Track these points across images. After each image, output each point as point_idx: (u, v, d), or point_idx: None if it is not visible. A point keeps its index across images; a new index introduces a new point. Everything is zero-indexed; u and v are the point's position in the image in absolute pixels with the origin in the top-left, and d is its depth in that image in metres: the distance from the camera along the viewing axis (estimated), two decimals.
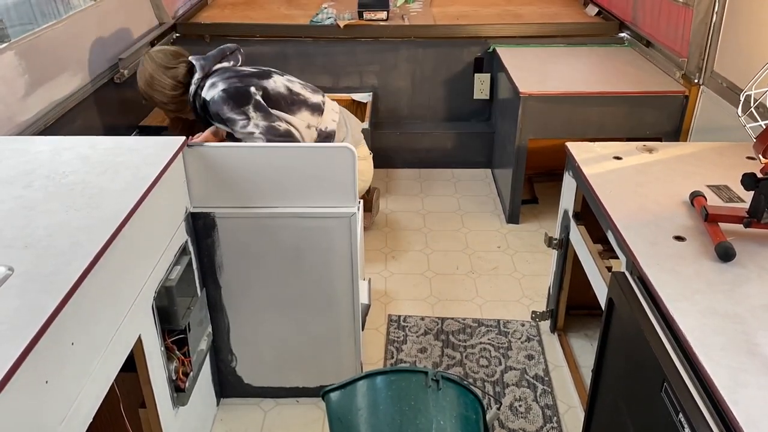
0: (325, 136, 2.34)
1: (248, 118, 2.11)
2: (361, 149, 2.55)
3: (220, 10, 3.65)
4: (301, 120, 2.27)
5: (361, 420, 1.44)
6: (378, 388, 1.47)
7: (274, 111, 2.18)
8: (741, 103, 1.48)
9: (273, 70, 2.33)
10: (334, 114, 2.38)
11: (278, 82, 2.27)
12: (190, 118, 2.36)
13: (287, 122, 2.20)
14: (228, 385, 2.01)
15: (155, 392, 1.47)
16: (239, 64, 2.34)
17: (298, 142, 2.20)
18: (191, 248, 1.72)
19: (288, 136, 2.15)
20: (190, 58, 2.25)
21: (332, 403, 1.49)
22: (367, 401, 1.46)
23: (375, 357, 2.19)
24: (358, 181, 2.30)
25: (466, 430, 1.43)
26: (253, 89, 2.15)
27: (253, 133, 2.10)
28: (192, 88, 2.20)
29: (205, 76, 2.20)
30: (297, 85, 2.33)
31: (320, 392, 1.53)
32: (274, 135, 2.11)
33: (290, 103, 2.27)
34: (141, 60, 2.25)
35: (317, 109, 2.33)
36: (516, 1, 3.73)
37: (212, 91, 2.15)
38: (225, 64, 2.26)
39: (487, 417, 1.53)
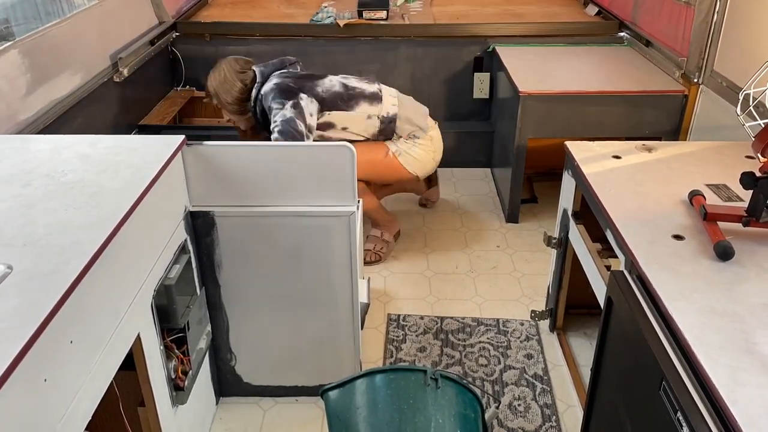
0: (389, 121, 2.49)
1: (281, 109, 2.25)
2: (429, 120, 2.68)
3: (220, 9, 3.65)
4: (360, 112, 2.42)
5: (360, 418, 1.44)
6: (377, 387, 1.47)
7: (329, 113, 2.36)
8: (740, 102, 1.48)
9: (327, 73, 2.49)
10: (392, 99, 2.51)
11: (333, 80, 2.42)
12: (243, 127, 2.54)
13: (309, 127, 2.29)
14: (227, 384, 2.01)
15: (154, 391, 1.47)
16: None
17: (298, 140, 2.24)
18: (190, 247, 1.72)
19: (298, 134, 2.24)
20: (253, 66, 2.43)
21: (331, 402, 1.49)
22: (366, 400, 1.46)
23: (374, 356, 2.20)
24: (435, 151, 2.66)
25: (464, 429, 1.43)
26: (303, 95, 2.31)
27: (276, 120, 2.24)
28: (253, 93, 2.38)
29: (264, 81, 2.38)
30: (352, 80, 2.47)
31: (319, 391, 1.53)
32: (290, 125, 2.23)
33: (348, 98, 2.41)
34: (218, 63, 2.44)
35: (375, 98, 2.46)
36: (516, 1, 3.73)
37: (268, 85, 2.35)
38: (283, 71, 2.42)
39: (486, 416, 1.53)
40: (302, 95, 2.30)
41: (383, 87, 2.52)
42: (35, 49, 2.12)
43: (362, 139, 2.49)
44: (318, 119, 2.35)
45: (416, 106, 2.62)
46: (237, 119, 2.50)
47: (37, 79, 2.12)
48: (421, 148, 2.60)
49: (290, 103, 2.27)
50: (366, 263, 2.66)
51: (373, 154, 2.52)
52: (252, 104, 2.40)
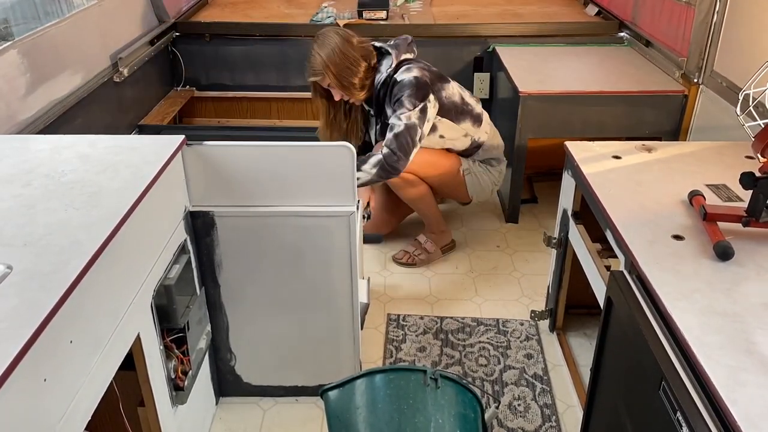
0: (477, 146, 2.56)
1: (411, 110, 2.29)
2: (503, 157, 2.69)
3: (220, 9, 3.65)
4: (462, 128, 2.47)
5: (359, 418, 1.44)
6: (376, 387, 1.47)
7: (439, 118, 2.39)
8: (740, 102, 1.48)
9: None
10: (488, 126, 2.58)
11: (454, 90, 2.46)
12: (352, 102, 2.45)
13: (422, 136, 2.34)
14: (227, 384, 2.01)
15: (154, 391, 1.47)
16: (416, 56, 2.46)
17: (413, 153, 2.32)
18: (190, 247, 1.72)
19: (413, 145, 2.31)
20: (377, 44, 2.40)
21: (331, 402, 1.49)
22: (365, 400, 1.46)
23: (374, 356, 2.20)
24: (496, 185, 2.69)
25: (464, 429, 1.43)
26: (431, 97, 2.34)
27: (401, 122, 2.28)
28: (383, 74, 2.34)
29: (400, 63, 2.35)
30: (467, 94, 2.52)
31: (319, 391, 1.53)
32: (409, 133, 2.29)
33: (459, 112, 2.45)
34: (320, 34, 2.33)
35: (478, 120, 2.52)
36: (516, 1, 3.73)
37: (407, 74, 2.32)
38: (409, 56, 2.41)
39: (486, 416, 1.53)
40: (431, 97, 2.33)
41: (484, 112, 2.58)
42: (35, 49, 2.12)
43: (447, 148, 2.55)
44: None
45: (500, 141, 2.66)
46: (350, 95, 2.40)
47: (36, 79, 2.12)
48: (489, 177, 2.63)
49: (420, 106, 2.30)
50: (398, 262, 2.68)
51: (444, 162, 2.56)
52: (378, 87, 2.36)
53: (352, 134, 2.57)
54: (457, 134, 2.48)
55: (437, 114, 2.39)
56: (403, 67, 2.34)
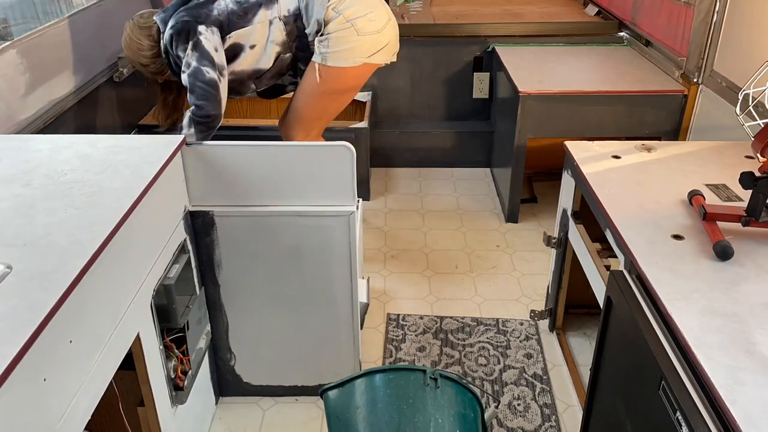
0: (294, 18, 2.16)
1: (186, 57, 2.05)
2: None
3: None
4: (260, 22, 2.13)
5: (359, 418, 1.44)
6: (376, 387, 1.47)
7: (219, 51, 2.08)
8: (739, 102, 1.48)
9: None
10: None
11: (227, 0, 2.13)
12: (172, 79, 2.28)
13: (221, 67, 2.08)
14: (227, 384, 2.01)
15: (154, 390, 1.47)
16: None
17: (218, 94, 2.07)
18: (190, 247, 1.72)
19: (210, 86, 2.04)
20: (154, 16, 2.17)
21: (330, 402, 1.49)
22: (365, 399, 1.46)
23: (374, 356, 2.20)
24: (361, 23, 2.13)
25: (464, 429, 1.43)
26: (201, 27, 2.05)
27: (185, 72, 2.05)
28: (162, 44, 2.13)
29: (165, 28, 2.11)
30: None
31: (318, 391, 1.53)
32: (197, 79, 2.04)
33: (243, 13, 2.12)
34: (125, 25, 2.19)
35: (270, 1, 2.15)
36: (516, 1, 3.73)
37: (165, 34, 2.08)
38: (181, 8, 2.13)
39: (486, 415, 1.53)
40: (200, 28, 2.05)
41: None
42: (34, 49, 2.12)
43: (277, 54, 2.19)
44: (224, 46, 2.12)
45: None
46: (165, 79, 2.26)
47: (36, 79, 2.12)
48: (338, 36, 2.15)
49: (190, 45, 2.03)
50: None
51: (307, 90, 2.23)
52: (165, 58, 2.16)
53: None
54: (261, 31, 2.14)
55: (225, 34, 2.11)
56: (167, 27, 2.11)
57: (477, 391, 1.52)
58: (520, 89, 2.62)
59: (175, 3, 2.16)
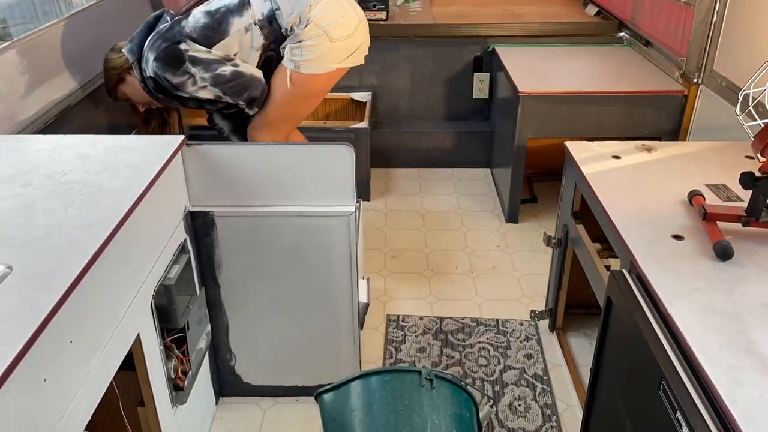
0: (269, 21, 2.10)
1: (192, 76, 2.05)
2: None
3: None
4: (236, 31, 2.08)
5: (355, 421, 1.44)
6: (372, 389, 1.46)
7: (212, 52, 2.06)
8: (739, 102, 1.48)
9: (192, 5, 2.20)
10: None
11: (196, 15, 2.10)
12: (162, 106, 2.31)
13: (226, 59, 2.08)
14: (227, 384, 2.01)
15: (154, 391, 1.47)
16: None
17: (247, 76, 2.09)
18: (190, 247, 1.72)
19: (236, 78, 2.06)
20: (122, 48, 2.16)
21: (326, 404, 1.48)
22: (361, 402, 1.46)
23: (374, 356, 2.20)
24: (332, 27, 2.08)
25: (460, 429, 1.43)
26: (182, 46, 2.03)
27: (206, 87, 2.06)
28: (137, 76, 2.13)
29: (140, 57, 2.10)
30: (215, 1, 2.14)
31: (314, 394, 1.52)
32: (225, 85, 2.05)
33: (217, 24, 2.08)
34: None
35: (243, 6, 2.10)
36: (516, 1, 3.74)
37: (148, 66, 2.07)
38: (152, 37, 2.11)
39: (481, 415, 1.54)
40: (182, 46, 2.03)
41: None
42: (33, 50, 2.12)
43: (260, 57, 2.16)
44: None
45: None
46: (147, 99, 2.24)
47: (36, 79, 2.12)
48: (311, 44, 2.10)
49: (186, 65, 2.02)
50: None
51: (277, 93, 2.20)
52: (142, 84, 2.14)
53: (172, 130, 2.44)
54: (238, 40, 2.09)
55: (205, 44, 2.07)
56: (143, 61, 2.11)
57: (472, 390, 1.52)
58: (520, 89, 2.62)
59: (140, 31, 2.14)
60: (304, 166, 1.69)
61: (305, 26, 2.09)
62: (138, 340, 1.39)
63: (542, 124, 2.68)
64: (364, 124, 3.01)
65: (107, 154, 1.56)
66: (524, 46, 3.17)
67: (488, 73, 3.32)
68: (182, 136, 1.65)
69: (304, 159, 1.68)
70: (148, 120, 2.39)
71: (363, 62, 2.30)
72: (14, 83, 2.02)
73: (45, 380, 1.02)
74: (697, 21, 2.31)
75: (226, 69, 2.07)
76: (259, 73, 2.14)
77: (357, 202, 1.75)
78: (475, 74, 3.33)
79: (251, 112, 2.21)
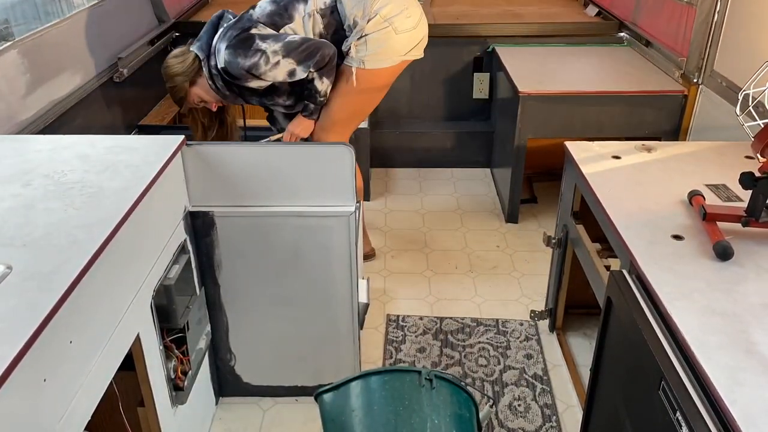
0: (331, 11, 2.17)
1: (263, 52, 2.08)
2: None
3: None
4: (300, 16, 2.17)
5: (355, 421, 1.44)
6: (372, 389, 1.46)
7: (280, 32, 2.14)
8: (739, 102, 1.48)
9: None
10: None
11: (262, 5, 2.19)
12: (229, 104, 2.35)
13: (291, 30, 2.15)
14: (227, 384, 2.01)
15: (154, 391, 1.47)
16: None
17: (316, 40, 2.12)
18: (190, 247, 1.72)
19: (306, 41, 2.10)
20: (191, 48, 2.23)
21: (326, 405, 1.48)
22: (361, 402, 1.46)
23: (374, 356, 2.20)
24: (399, 20, 2.14)
25: (460, 429, 1.43)
26: (253, 30, 2.10)
27: (278, 62, 2.08)
28: (205, 74, 2.18)
29: (209, 54, 2.16)
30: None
31: (313, 394, 1.52)
32: (296, 51, 2.08)
33: (284, 9, 2.17)
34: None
35: None
36: (516, 1, 3.73)
37: (220, 57, 2.12)
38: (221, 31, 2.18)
39: (480, 415, 1.54)
40: (252, 30, 2.09)
41: None
42: (35, 50, 2.12)
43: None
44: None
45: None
46: (217, 98, 2.29)
47: (36, 79, 2.12)
48: (377, 36, 2.15)
49: (257, 44, 2.06)
50: None
51: (342, 91, 2.23)
52: (210, 81, 2.20)
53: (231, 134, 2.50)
54: (301, 25, 2.16)
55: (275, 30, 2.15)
56: (213, 56, 2.16)
57: (471, 390, 1.52)
58: (520, 89, 2.62)
59: (206, 31, 2.21)
60: (304, 166, 1.69)
61: (370, 19, 2.14)
62: (138, 340, 1.39)
63: (542, 124, 2.68)
64: (364, 124, 3.00)
65: (107, 154, 1.56)
66: (524, 46, 3.17)
67: (488, 73, 3.32)
68: (182, 136, 1.65)
69: (304, 159, 1.68)
70: (209, 126, 2.42)
71: (422, 55, 2.32)
72: (15, 83, 2.02)
73: (45, 380, 1.02)
74: (699, 21, 2.31)
75: (295, 36, 2.11)
76: (323, 39, 2.15)
77: (357, 203, 1.75)
78: (475, 74, 3.33)
79: (322, 85, 2.16)
